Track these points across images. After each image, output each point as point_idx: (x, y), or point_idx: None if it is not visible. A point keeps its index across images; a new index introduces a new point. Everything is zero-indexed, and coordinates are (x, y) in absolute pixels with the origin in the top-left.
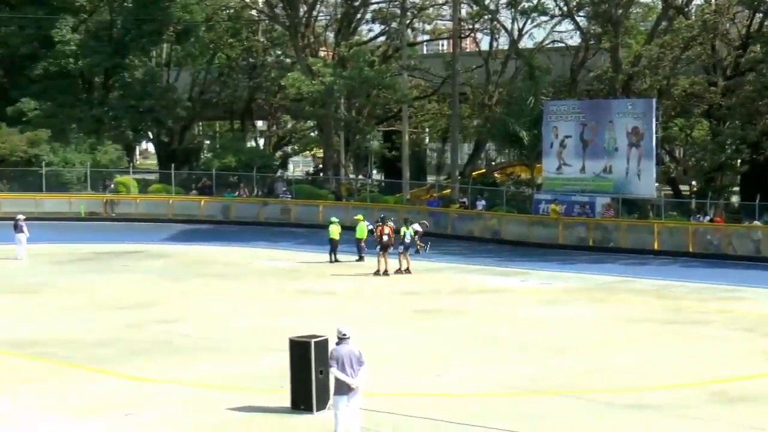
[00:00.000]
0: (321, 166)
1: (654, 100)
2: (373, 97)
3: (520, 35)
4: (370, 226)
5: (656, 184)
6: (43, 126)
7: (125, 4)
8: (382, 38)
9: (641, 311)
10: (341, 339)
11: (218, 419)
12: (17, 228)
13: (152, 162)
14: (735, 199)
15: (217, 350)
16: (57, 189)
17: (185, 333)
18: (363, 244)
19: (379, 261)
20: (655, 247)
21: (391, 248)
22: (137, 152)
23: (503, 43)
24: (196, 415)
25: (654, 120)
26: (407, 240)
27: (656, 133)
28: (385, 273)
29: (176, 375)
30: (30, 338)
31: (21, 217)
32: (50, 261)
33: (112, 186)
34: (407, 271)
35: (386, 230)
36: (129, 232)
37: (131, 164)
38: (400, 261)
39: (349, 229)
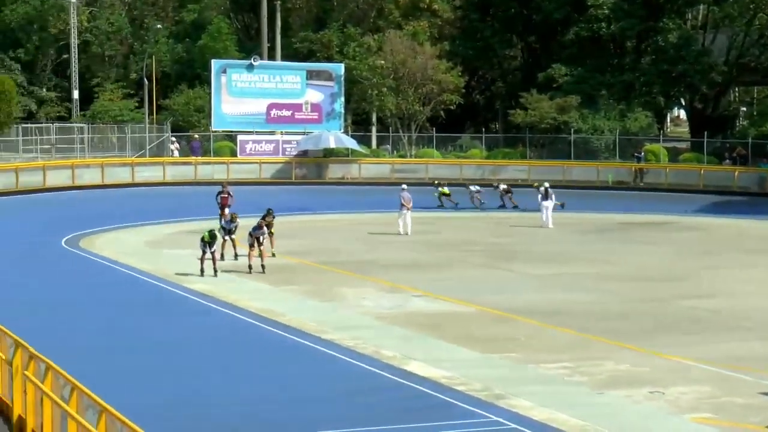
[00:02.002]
0: None
1: None
2: None
3: None
4: None
5: None
6: (572, 92)
7: None
8: None
9: None
10: None
11: (749, 403)
12: (546, 196)
13: (683, 130)
14: None
15: (746, 329)
16: (585, 157)
17: (713, 310)
18: None
19: None
20: None
21: None
22: (668, 119)
23: None
24: (724, 398)
25: None
26: None
27: None
28: None
29: (702, 353)
30: (552, 308)
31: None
32: (575, 230)
33: (642, 154)
34: None
35: None
36: (657, 202)
37: (661, 132)
38: None
39: None
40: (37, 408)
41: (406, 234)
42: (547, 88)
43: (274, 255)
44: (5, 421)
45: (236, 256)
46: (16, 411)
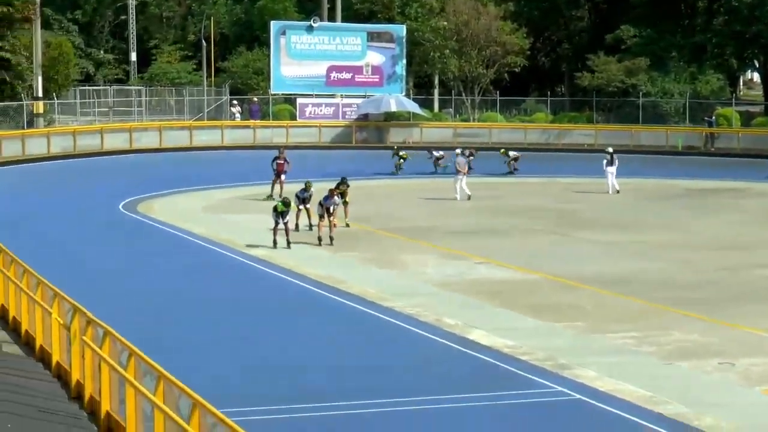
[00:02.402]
0: None
1: None
2: None
3: None
4: None
5: None
6: (641, 54)
7: None
8: None
9: None
10: None
11: None
12: (611, 161)
13: (757, 93)
14: None
15: None
16: (653, 121)
17: None
18: None
19: None
20: None
21: None
22: (741, 82)
23: None
24: None
25: None
26: None
27: None
28: None
29: None
30: (619, 276)
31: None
32: (643, 197)
33: (713, 118)
34: None
35: None
36: (728, 168)
37: (734, 95)
38: None
39: None
40: (95, 373)
41: (468, 199)
42: (615, 50)
43: (348, 225)
44: (64, 386)
45: (310, 226)
46: (75, 376)
